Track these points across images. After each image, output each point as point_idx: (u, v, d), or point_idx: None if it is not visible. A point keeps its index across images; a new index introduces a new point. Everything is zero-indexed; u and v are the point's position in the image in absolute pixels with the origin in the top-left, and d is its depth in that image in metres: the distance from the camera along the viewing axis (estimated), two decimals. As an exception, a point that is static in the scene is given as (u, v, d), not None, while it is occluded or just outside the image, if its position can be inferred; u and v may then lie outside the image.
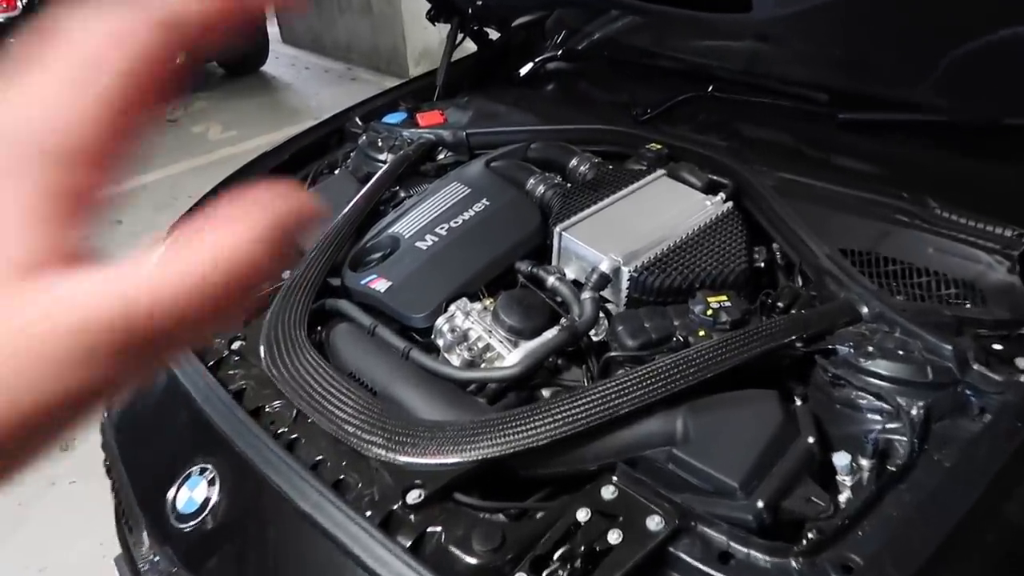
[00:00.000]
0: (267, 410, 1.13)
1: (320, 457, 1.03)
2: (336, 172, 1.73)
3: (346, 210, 1.46)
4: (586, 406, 0.95)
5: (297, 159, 1.75)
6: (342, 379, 1.07)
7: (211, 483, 1.08)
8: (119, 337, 0.21)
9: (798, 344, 1.05)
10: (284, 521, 1.00)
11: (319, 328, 1.28)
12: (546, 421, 0.94)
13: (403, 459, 0.94)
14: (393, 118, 1.83)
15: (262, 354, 1.16)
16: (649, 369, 1.00)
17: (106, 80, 0.23)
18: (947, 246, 1.16)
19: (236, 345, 1.26)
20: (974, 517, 0.81)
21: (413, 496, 0.92)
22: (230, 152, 4.25)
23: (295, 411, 1.10)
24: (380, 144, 1.70)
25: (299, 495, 0.95)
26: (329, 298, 1.30)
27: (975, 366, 0.95)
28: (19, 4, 4.39)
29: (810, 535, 0.83)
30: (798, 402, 1.04)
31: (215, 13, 0.25)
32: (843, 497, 0.89)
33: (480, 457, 0.92)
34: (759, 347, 1.03)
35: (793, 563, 0.80)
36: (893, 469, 0.91)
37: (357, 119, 1.84)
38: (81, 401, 0.22)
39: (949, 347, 0.96)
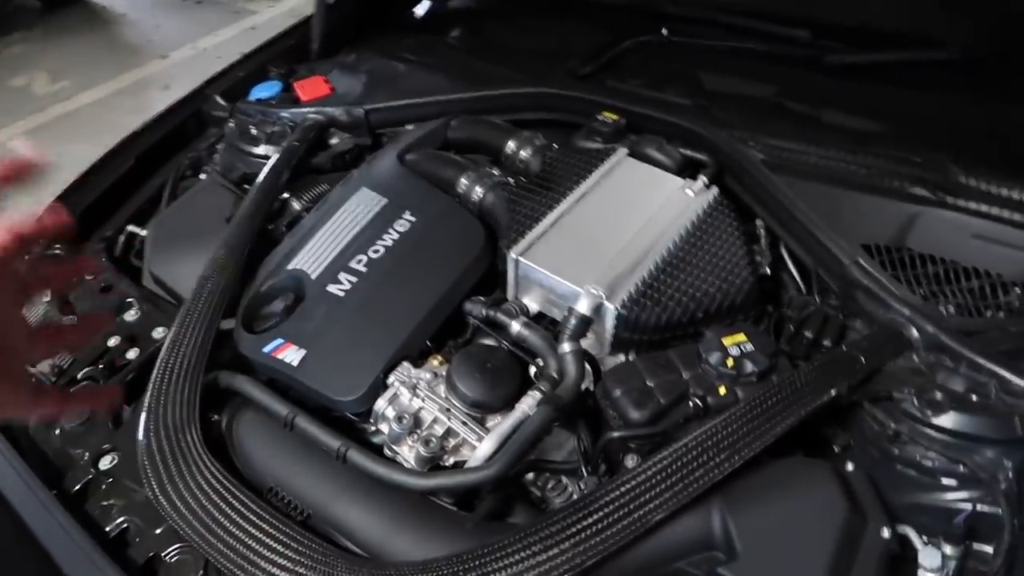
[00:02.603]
0: (165, 562, 0.83)
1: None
2: (202, 176, 1.34)
3: (226, 236, 1.10)
4: (610, 520, 0.74)
5: (146, 162, 1.35)
6: (264, 507, 0.80)
7: None
8: None
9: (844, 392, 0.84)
10: None
11: (214, 417, 0.96)
12: (562, 547, 0.72)
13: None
14: (264, 91, 1.44)
15: (145, 473, 0.85)
16: (674, 457, 0.78)
17: None
18: (991, 230, 0.95)
19: (105, 462, 0.93)
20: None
21: None
22: (64, 109, 3.55)
23: (204, 564, 0.81)
24: (255, 133, 1.32)
25: None
26: (222, 371, 0.97)
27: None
28: None
29: None
30: (849, 466, 0.84)
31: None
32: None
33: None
34: (803, 408, 0.81)
35: None
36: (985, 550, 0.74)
37: (218, 97, 1.44)
38: None
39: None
